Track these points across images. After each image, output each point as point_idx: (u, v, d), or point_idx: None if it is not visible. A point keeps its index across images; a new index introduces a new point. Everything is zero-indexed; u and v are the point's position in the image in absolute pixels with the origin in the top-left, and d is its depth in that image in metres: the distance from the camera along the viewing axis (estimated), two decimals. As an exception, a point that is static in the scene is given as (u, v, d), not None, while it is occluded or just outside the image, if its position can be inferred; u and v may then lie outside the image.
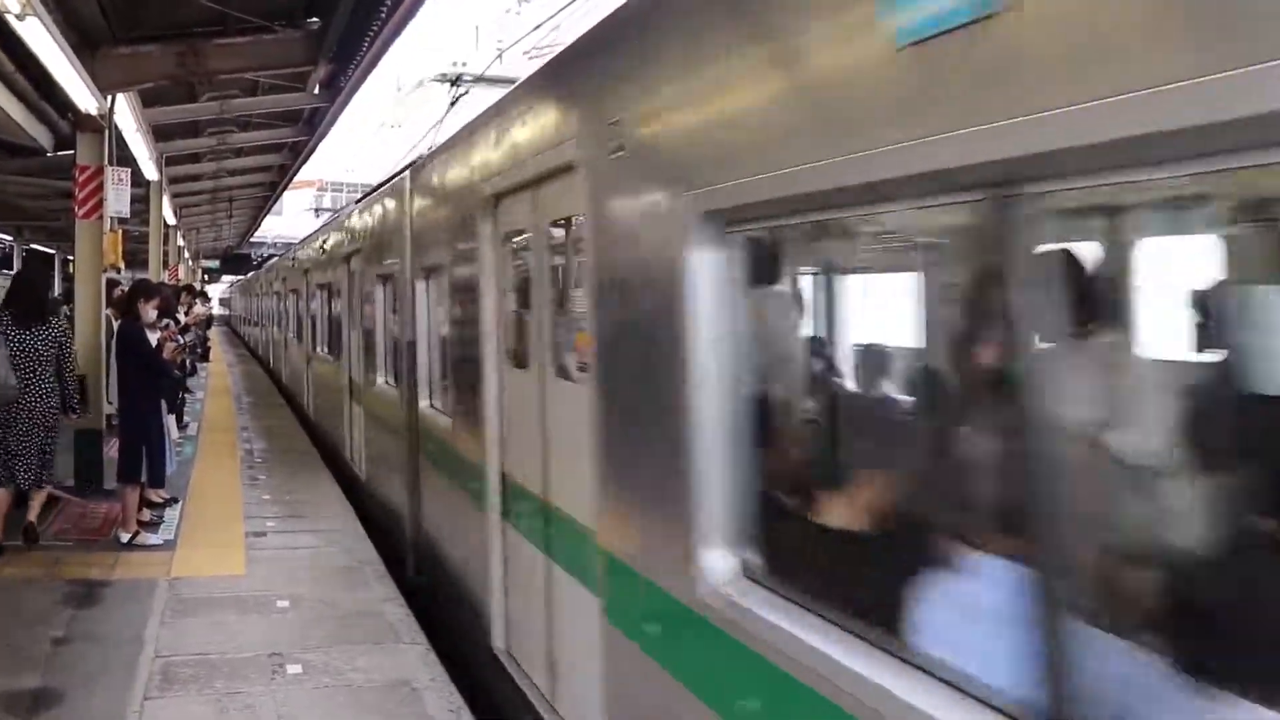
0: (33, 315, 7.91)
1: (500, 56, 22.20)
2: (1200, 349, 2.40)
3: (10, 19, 6.80)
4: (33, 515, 8.11)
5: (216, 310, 47.04)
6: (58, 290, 20.85)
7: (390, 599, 6.95)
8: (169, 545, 8.16)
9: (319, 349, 15.02)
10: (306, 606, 6.76)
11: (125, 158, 12.72)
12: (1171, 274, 2.56)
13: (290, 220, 56.72)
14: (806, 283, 3.53)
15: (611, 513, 3.73)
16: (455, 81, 12.68)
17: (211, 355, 27.20)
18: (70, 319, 8.43)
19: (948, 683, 2.12)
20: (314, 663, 5.71)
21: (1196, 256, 2.46)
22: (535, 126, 4.66)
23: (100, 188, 10.45)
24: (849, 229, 2.87)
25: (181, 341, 9.94)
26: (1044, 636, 1.90)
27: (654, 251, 3.26)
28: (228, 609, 6.66)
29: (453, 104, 12.03)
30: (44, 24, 7.18)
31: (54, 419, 8.03)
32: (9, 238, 31.76)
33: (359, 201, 11.69)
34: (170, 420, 9.20)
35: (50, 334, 7.94)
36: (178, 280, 22.70)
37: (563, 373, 4.65)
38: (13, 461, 7.80)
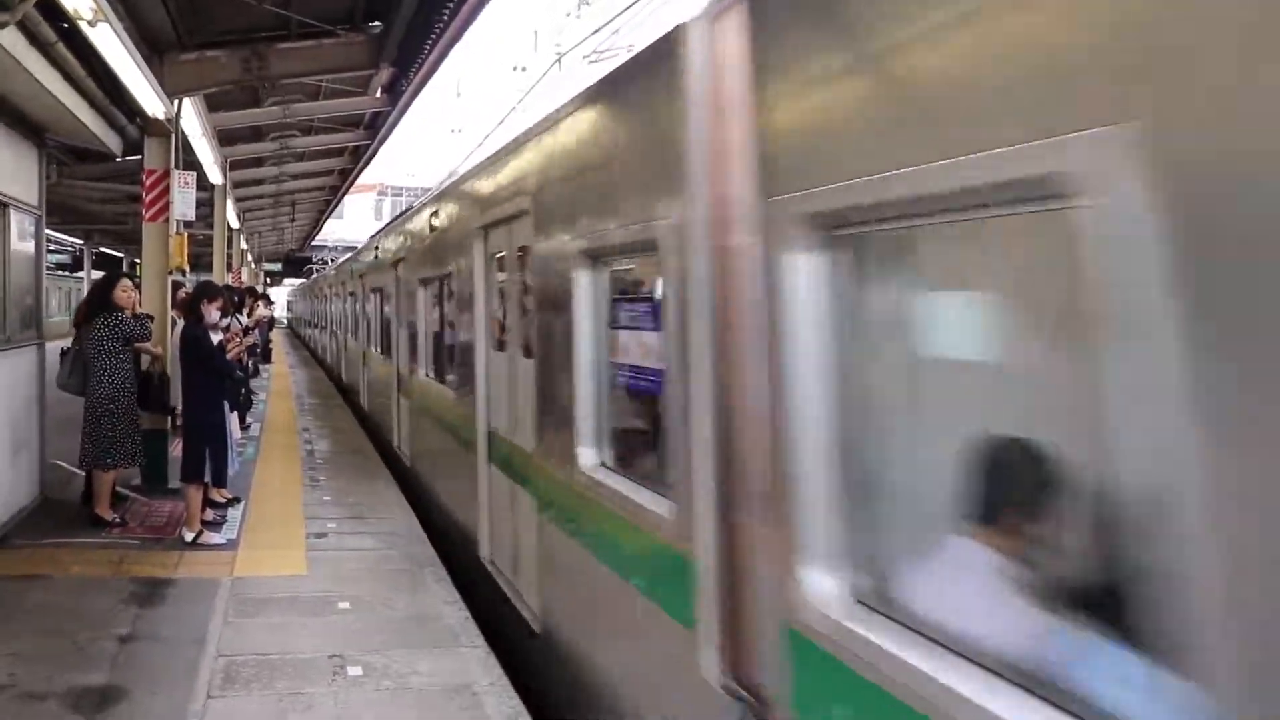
0: (83, 318, 8.91)
1: (559, 61, 22.31)
2: None
3: (82, 24, 6.90)
4: (97, 505, 8.62)
5: (281, 313, 47.80)
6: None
7: (450, 602, 6.93)
8: (232, 545, 8.23)
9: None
10: (367, 608, 6.76)
11: (191, 162, 12.91)
12: None
13: (351, 224, 57.44)
14: None
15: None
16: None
17: (273, 357, 27.59)
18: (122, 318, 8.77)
19: None
20: (374, 665, 5.70)
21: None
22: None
23: (167, 191, 10.59)
24: None
25: (242, 341, 10.07)
26: None
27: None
28: (289, 609, 6.68)
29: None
30: (114, 29, 7.27)
31: (103, 406, 8.54)
32: (79, 241, 32.59)
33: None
34: (233, 420, 9.29)
35: (94, 332, 8.62)
36: (240, 283, 23.05)
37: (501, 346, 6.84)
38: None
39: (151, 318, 9.46)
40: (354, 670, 5.62)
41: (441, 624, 6.47)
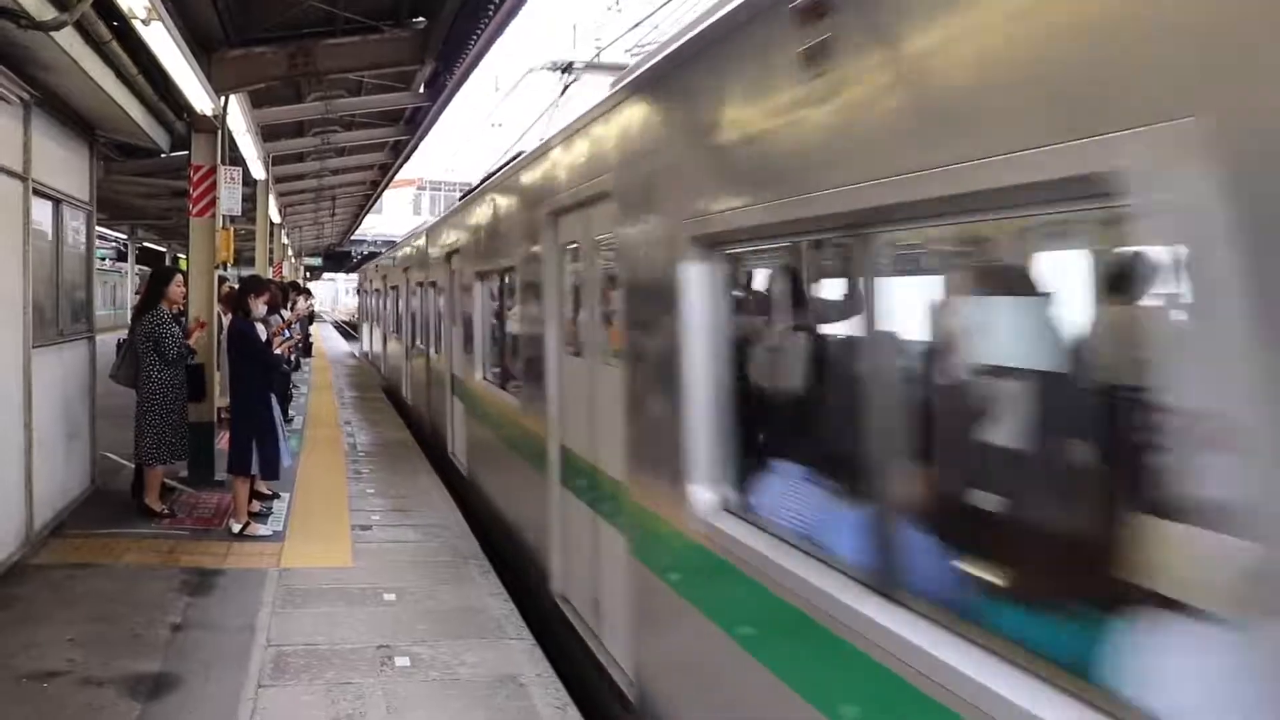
0: (136, 312, 9.11)
1: (599, 55, 22.29)
2: None
3: (136, 23, 7.00)
4: (147, 496, 8.77)
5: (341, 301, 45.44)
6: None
7: (495, 594, 7.00)
8: (278, 536, 8.35)
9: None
10: (412, 600, 6.84)
11: (235, 158, 13.06)
12: None
13: (390, 219, 57.70)
14: None
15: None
16: (566, 69, 12.47)
17: (314, 351, 27.84)
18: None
19: None
20: (422, 656, 5.77)
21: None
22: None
23: (214, 186, 10.74)
24: None
25: (290, 336, 10.18)
26: None
27: None
28: (336, 600, 6.77)
29: (564, 90, 12.11)
30: (167, 28, 7.37)
31: (151, 402, 8.66)
32: (123, 235, 33.05)
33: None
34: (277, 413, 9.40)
35: (143, 327, 8.73)
36: (282, 277, 23.29)
37: None
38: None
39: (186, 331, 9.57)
40: (402, 661, 5.70)
41: (487, 616, 6.54)
